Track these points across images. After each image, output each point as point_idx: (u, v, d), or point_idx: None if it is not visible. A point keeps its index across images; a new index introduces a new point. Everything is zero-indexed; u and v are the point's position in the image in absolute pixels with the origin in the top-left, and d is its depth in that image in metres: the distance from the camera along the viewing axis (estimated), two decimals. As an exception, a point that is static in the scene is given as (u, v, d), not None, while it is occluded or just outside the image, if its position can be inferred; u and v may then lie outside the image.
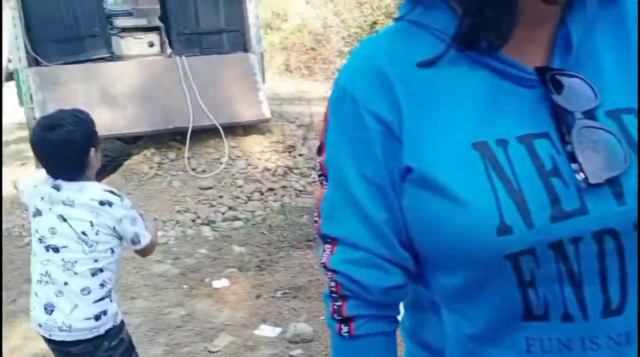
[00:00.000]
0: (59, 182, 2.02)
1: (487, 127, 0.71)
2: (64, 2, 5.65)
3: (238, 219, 4.95)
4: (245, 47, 6.22)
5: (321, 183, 0.87)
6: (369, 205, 0.76)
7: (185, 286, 3.88)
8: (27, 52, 5.50)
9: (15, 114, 9.25)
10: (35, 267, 2.06)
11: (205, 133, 5.73)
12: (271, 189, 5.33)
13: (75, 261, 1.98)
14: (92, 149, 2.04)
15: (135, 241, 2.07)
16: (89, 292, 1.99)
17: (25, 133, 7.70)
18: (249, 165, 5.60)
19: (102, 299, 2.02)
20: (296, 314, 3.42)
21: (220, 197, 5.17)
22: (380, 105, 0.74)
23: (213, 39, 6.18)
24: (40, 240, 2.02)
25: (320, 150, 0.86)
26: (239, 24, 6.21)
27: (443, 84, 0.74)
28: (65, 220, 1.99)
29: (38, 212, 2.05)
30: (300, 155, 5.84)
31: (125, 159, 5.68)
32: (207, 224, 4.82)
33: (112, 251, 2.05)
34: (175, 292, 3.81)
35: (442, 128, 0.72)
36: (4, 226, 5.20)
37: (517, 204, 0.67)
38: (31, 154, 6.76)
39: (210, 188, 5.25)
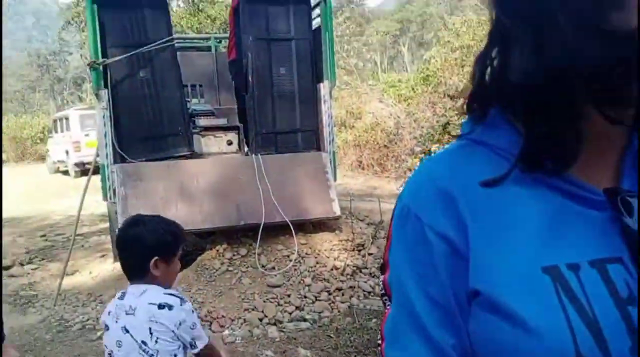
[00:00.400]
0: (126, 289, 2.08)
1: (556, 250, 0.68)
2: (150, 103, 6.03)
3: (305, 320, 4.88)
4: (318, 146, 6.38)
5: (384, 303, 0.84)
6: (435, 329, 0.73)
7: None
8: (114, 149, 5.85)
9: (98, 207, 9.78)
10: None
11: (276, 229, 5.80)
12: (339, 289, 5.26)
13: None
14: (156, 259, 2.05)
15: (192, 344, 2.05)
16: None
17: (106, 225, 8.09)
18: (318, 263, 5.59)
19: None
20: None
21: (288, 295, 5.14)
22: (445, 225, 0.72)
23: (288, 138, 6.39)
24: (110, 354, 2.04)
25: (383, 268, 0.84)
26: (313, 124, 6.41)
27: (507, 203, 0.72)
28: (127, 331, 2.00)
29: (107, 327, 2.08)
30: (370, 254, 5.78)
31: (200, 254, 5.80)
32: (274, 324, 4.77)
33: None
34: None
35: (508, 249, 0.69)
36: (79, 319, 5.35)
37: (593, 333, 0.63)
38: (110, 246, 7.09)
39: (278, 286, 5.25)
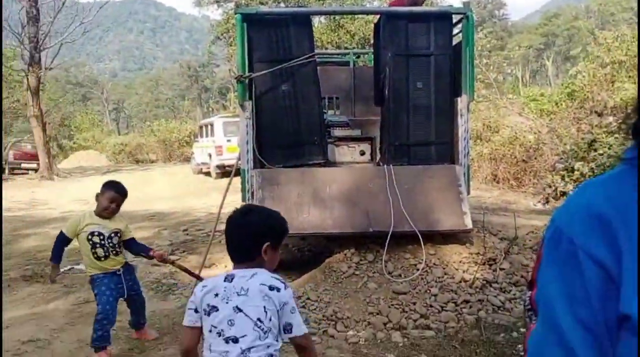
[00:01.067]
0: (233, 272, 2.21)
1: None
2: (290, 114, 6.34)
3: (429, 328, 4.88)
4: (452, 159, 6.35)
5: (530, 318, 0.87)
6: (583, 351, 0.73)
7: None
8: (254, 155, 6.22)
9: (237, 207, 10.34)
10: None
11: (404, 238, 5.84)
12: (467, 301, 5.19)
13: (251, 348, 2.09)
14: (267, 244, 2.21)
15: (287, 329, 2.15)
16: None
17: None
18: (446, 274, 5.55)
19: None
20: None
21: (414, 303, 5.16)
22: (600, 250, 0.73)
23: (421, 151, 6.41)
24: (219, 334, 2.12)
25: (531, 285, 0.85)
26: (448, 137, 6.38)
27: None
28: (240, 310, 2.12)
29: (213, 309, 2.16)
30: (501, 269, 5.65)
31: (328, 256, 5.99)
32: (398, 329, 4.82)
33: (277, 339, 2.16)
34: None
35: None
36: (181, 302, 5.72)
37: None
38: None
39: (404, 293, 5.29)
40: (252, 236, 2.22)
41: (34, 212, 14.56)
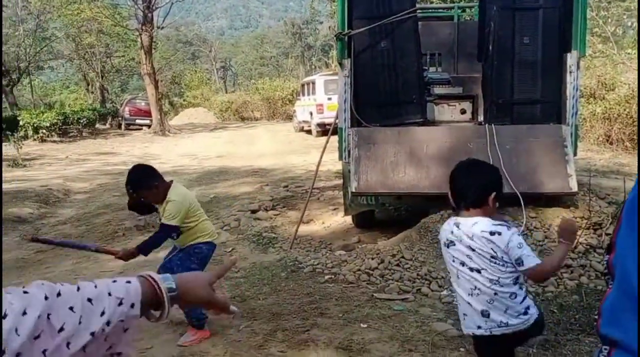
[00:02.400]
0: (459, 220, 2.56)
1: None
2: (389, 71, 6.26)
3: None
4: (558, 119, 6.05)
5: (607, 282, 0.86)
6: None
7: (462, 349, 3.89)
8: (351, 113, 6.23)
9: (335, 165, 10.49)
10: (463, 284, 2.58)
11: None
12: (568, 266, 5.02)
13: (498, 278, 2.47)
14: (493, 193, 2.52)
15: (518, 262, 2.42)
16: (515, 297, 2.49)
17: (340, 182, 8.67)
18: (547, 238, 5.37)
19: (524, 298, 2.53)
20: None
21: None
22: None
23: (526, 109, 6.16)
24: (463, 263, 2.55)
25: (609, 249, 0.85)
26: (555, 96, 6.08)
27: None
28: (473, 250, 2.49)
29: (451, 243, 2.59)
30: (607, 234, 5.38)
31: (423, 217, 5.96)
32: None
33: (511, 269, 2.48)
34: (452, 353, 3.84)
35: None
36: (310, 262, 5.88)
37: None
38: (342, 201, 7.60)
39: (502, 256, 5.19)
40: (483, 186, 2.53)
41: (148, 166, 15.47)
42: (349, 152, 6.07)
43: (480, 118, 6.60)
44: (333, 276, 5.48)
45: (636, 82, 12.97)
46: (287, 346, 4.07)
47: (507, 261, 2.44)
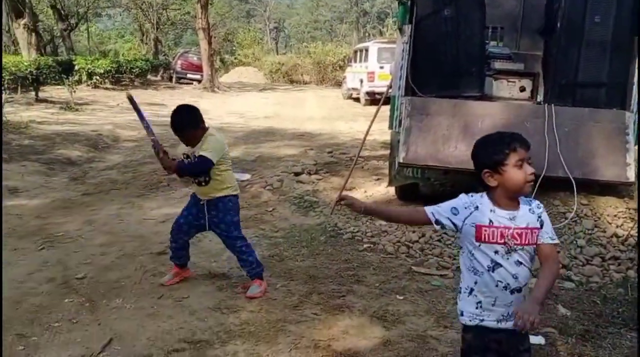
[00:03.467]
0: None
1: None
2: (450, 41, 6.03)
3: (570, 280, 4.64)
4: (622, 105, 5.77)
5: None
6: None
7: (499, 331, 3.81)
8: (407, 82, 6.06)
9: (382, 135, 10.35)
10: None
11: (556, 184, 5.50)
12: (616, 258, 4.84)
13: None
14: (484, 170, 2.28)
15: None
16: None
17: (386, 152, 8.53)
18: (597, 227, 5.19)
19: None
20: (613, 399, 3.06)
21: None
22: None
23: (589, 92, 5.88)
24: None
25: None
26: (622, 80, 5.79)
27: None
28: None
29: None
30: (660, 229, 5.17)
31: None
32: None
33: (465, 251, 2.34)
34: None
35: None
36: (350, 229, 5.84)
37: None
38: (386, 171, 7.50)
39: (548, 241, 5.03)
40: (475, 168, 2.33)
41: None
42: (400, 121, 5.93)
43: (540, 97, 6.35)
44: (372, 245, 5.44)
45: None
46: (322, 309, 4.06)
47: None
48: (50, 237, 5.62)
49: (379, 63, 19.08)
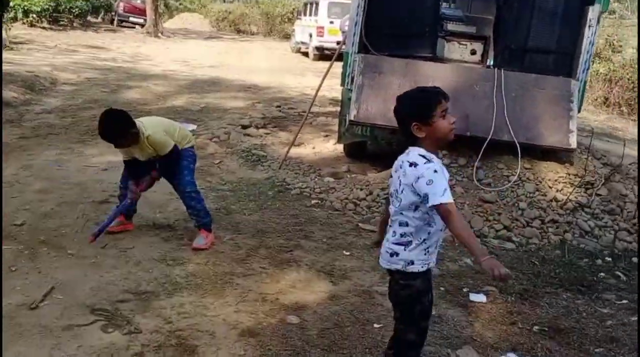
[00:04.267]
0: (408, 148, 2.42)
1: None
2: (405, 1, 6.01)
3: (511, 241, 4.80)
4: (569, 72, 5.91)
5: None
6: None
7: (441, 288, 3.92)
8: (360, 39, 6.00)
9: (330, 92, 10.28)
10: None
11: (501, 147, 5.62)
12: (554, 221, 5.03)
13: (393, 213, 2.45)
14: (413, 123, 2.33)
15: (424, 199, 2.28)
16: (393, 235, 2.45)
17: (335, 109, 8.48)
18: (538, 191, 5.35)
19: (398, 243, 2.42)
20: (550, 355, 3.21)
21: (499, 214, 5.05)
22: None
23: (538, 58, 6.01)
24: (395, 191, 2.43)
25: None
26: (569, 48, 5.92)
27: None
28: (400, 182, 2.39)
29: (395, 170, 2.46)
30: (598, 195, 5.37)
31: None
32: (478, 237, 4.76)
33: (415, 208, 2.36)
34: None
35: None
36: (298, 185, 5.82)
37: None
38: (335, 128, 7.48)
39: (491, 202, 5.17)
40: (401, 122, 2.40)
41: (138, 66, 15.06)
42: (352, 78, 5.90)
43: (490, 61, 6.42)
44: (320, 201, 5.44)
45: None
46: (269, 263, 4.06)
47: (400, 199, 2.38)
48: (-17, 181, 5.35)
49: (329, 18, 18.82)
